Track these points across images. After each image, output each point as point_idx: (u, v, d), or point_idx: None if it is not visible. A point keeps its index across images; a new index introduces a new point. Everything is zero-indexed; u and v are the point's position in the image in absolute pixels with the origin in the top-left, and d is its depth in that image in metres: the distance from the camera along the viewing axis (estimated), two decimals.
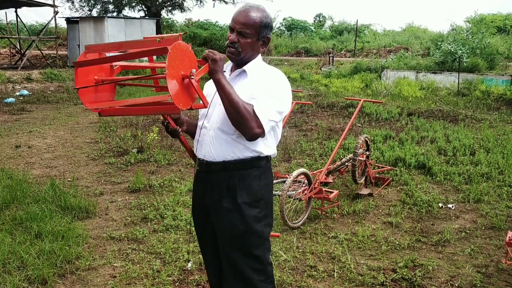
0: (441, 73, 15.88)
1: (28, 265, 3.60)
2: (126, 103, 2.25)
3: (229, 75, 2.30)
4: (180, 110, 2.01)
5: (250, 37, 2.19)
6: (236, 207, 2.22)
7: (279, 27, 37.27)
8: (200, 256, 3.84)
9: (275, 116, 2.17)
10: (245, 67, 2.25)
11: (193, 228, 4.33)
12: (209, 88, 2.35)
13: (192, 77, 1.98)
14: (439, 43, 18.33)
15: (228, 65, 2.35)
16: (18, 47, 23.74)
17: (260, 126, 2.10)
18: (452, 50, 15.75)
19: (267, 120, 2.13)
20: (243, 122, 2.08)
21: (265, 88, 2.15)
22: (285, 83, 2.25)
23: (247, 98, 2.13)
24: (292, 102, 4.92)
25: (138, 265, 3.73)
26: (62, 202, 4.84)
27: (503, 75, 14.98)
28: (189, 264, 3.72)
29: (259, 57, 2.32)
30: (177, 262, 3.76)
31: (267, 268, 2.31)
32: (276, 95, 2.17)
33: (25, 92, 14.47)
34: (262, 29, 2.21)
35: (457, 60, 15.31)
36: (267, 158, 2.32)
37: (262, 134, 2.13)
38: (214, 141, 2.23)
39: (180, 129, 2.29)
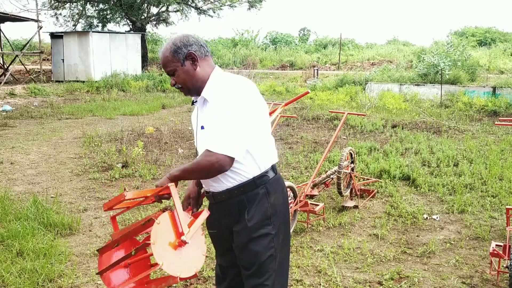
0: (424, 85, 16.10)
1: (9, 284, 3.53)
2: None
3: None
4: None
5: (177, 69, 2.20)
6: (246, 230, 2.18)
7: (263, 41, 37.57)
8: None
9: (234, 137, 2.05)
10: (203, 94, 2.20)
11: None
12: (193, 120, 2.36)
13: (188, 242, 1.98)
14: (422, 56, 18.65)
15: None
16: (1, 62, 23.52)
17: (218, 158, 2.03)
18: (435, 63, 16.01)
19: (225, 148, 2.03)
20: (206, 171, 2.09)
21: (212, 116, 2.11)
22: (231, 95, 2.10)
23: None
24: (278, 115, 4.94)
25: None
26: (44, 219, 4.75)
27: (484, 87, 15.25)
28: None
29: (213, 73, 2.24)
30: None
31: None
32: (223, 115, 2.06)
33: (8, 107, 14.30)
34: (177, 55, 2.18)
35: (440, 73, 15.56)
36: (272, 168, 2.25)
37: (230, 161, 2.06)
38: None
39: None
